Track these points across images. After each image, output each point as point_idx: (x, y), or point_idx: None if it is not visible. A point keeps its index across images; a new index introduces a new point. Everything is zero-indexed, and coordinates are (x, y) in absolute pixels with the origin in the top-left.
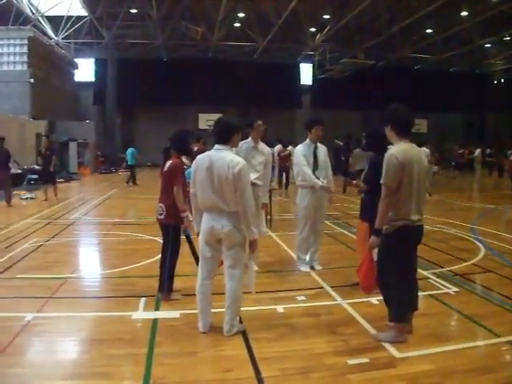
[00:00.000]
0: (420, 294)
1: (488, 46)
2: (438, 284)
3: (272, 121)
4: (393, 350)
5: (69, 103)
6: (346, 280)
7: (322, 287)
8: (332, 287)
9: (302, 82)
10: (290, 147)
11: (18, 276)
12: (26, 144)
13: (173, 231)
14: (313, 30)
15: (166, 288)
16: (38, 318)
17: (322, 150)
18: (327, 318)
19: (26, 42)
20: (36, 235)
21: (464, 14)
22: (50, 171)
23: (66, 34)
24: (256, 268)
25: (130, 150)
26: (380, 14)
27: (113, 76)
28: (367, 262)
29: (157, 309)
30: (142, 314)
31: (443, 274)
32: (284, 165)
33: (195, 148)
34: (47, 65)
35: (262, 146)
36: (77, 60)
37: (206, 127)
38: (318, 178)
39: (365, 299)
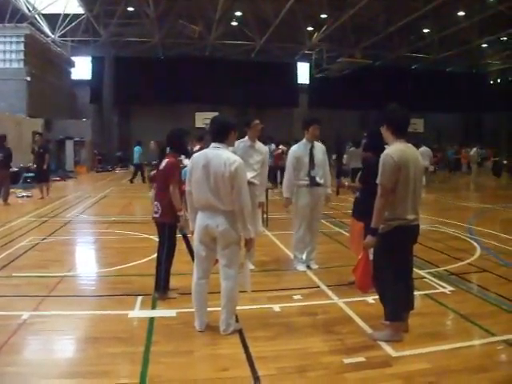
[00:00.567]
0: (416, 293)
1: (485, 45)
2: (433, 283)
3: (269, 120)
4: (389, 349)
5: (65, 101)
6: (342, 279)
7: (318, 286)
8: (328, 286)
9: (299, 81)
10: (280, 146)
11: (14, 274)
12: (23, 142)
13: (168, 230)
14: (310, 29)
15: (162, 287)
16: (34, 316)
17: (320, 148)
18: (323, 317)
19: (22, 39)
20: (32, 233)
21: (461, 13)
22: (43, 169)
23: (62, 31)
24: (252, 267)
25: (136, 149)
26: (377, 13)
27: (109, 74)
28: (363, 262)
29: (153, 307)
30: (138, 312)
31: (439, 273)
32: (277, 163)
33: (197, 147)
34: (44, 63)
35: (259, 144)
36: (73, 58)
37: (203, 126)
38: (314, 178)
39: (361, 298)
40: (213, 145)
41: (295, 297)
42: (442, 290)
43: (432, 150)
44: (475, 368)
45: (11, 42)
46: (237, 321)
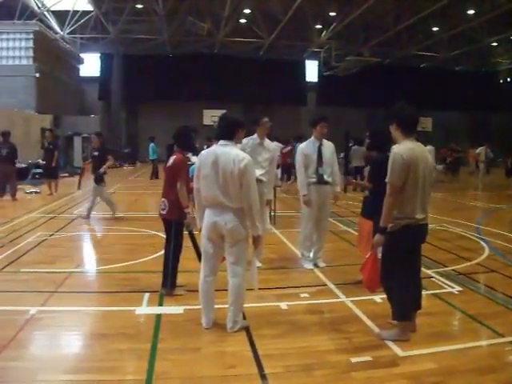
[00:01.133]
0: (423, 292)
1: (494, 44)
2: (441, 283)
3: (277, 118)
4: (396, 349)
5: (74, 98)
6: (349, 278)
7: (325, 284)
8: (336, 285)
9: (307, 79)
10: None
11: (22, 270)
12: (31, 138)
13: (175, 227)
14: (319, 27)
15: (169, 283)
16: (41, 311)
17: (328, 146)
18: (330, 315)
19: (31, 36)
20: (40, 229)
21: (470, 12)
22: (53, 166)
23: (71, 28)
24: (260, 265)
25: (150, 145)
26: (386, 11)
27: (118, 71)
28: (371, 261)
29: (160, 304)
30: (145, 309)
31: (447, 273)
32: (285, 161)
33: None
34: (53, 59)
35: (267, 142)
36: (82, 55)
37: (211, 123)
38: (322, 175)
39: (368, 297)
40: (221, 142)
41: (302, 295)
42: (449, 289)
43: (447, 148)
44: (482, 368)
45: (20, 39)
46: (244, 318)
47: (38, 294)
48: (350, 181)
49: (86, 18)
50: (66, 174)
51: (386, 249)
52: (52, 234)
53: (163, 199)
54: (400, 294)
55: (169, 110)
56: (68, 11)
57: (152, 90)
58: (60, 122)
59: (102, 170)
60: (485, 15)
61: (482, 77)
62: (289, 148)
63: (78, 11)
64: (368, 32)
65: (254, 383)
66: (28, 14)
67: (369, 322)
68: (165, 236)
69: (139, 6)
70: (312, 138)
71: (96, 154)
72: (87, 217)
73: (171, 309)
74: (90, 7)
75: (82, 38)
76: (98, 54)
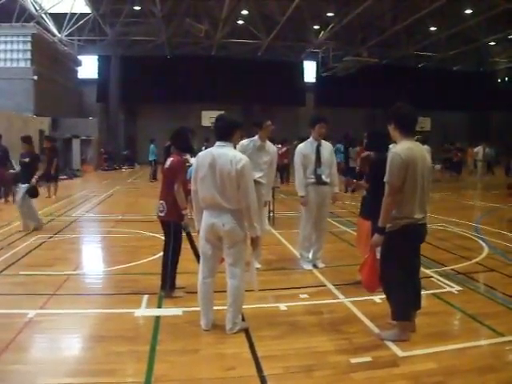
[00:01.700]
0: (423, 292)
1: (492, 44)
2: (440, 283)
3: (275, 119)
4: (396, 349)
5: (72, 100)
6: (348, 278)
7: (324, 285)
8: (335, 285)
9: (305, 80)
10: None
11: (20, 273)
12: None
13: (174, 228)
14: (316, 27)
15: (168, 285)
16: (40, 314)
17: (327, 147)
18: (330, 316)
19: (29, 39)
20: (39, 232)
21: (468, 11)
22: (51, 172)
23: (69, 31)
24: (259, 266)
25: (150, 147)
26: (384, 11)
27: (116, 73)
28: (370, 261)
29: (159, 306)
30: (144, 311)
31: (446, 272)
32: (282, 162)
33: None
34: (51, 62)
35: (268, 145)
36: (80, 57)
37: (209, 124)
38: (320, 176)
39: (368, 297)
40: (218, 143)
41: (302, 296)
42: (449, 289)
43: (454, 148)
44: (482, 368)
45: (18, 42)
46: (243, 320)
47: (36, 296)
48: (350, 181)
49: (83, 20)
50: (65, 177)
51: (385, 249)
52: (51, 237)
53: (161, 201)
54: (399, 294)
55: (167, 111)
56: (66, 13)
57: (150, 92)
58: (58, 125)
59: (33, 180)
60: (482, 15)
61: (480, 76)
62: (285, 149)
63: (75, 13)
64: (366, 32)
65: None
66: (26, 17)
67: (368, 323)
68: (163, 238)
69: (137, 8)
70: (310, 138)
71: (26, 160)
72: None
73: (170, 311)
74: (87, 9)
75: (79, 41)
76: (96, 56)
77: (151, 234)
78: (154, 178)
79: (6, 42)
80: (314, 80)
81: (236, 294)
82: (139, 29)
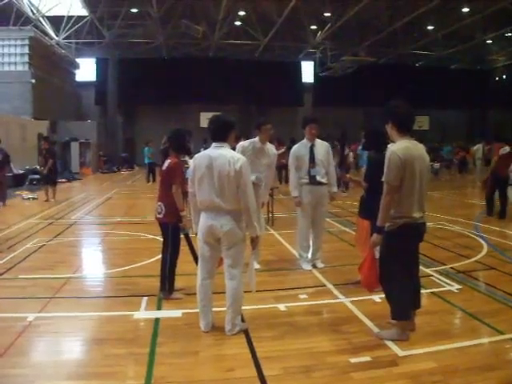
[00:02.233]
0: (422, 291)
1: (489, 42)
2: (440, 281)
3: (274, 119)
4: (395, 348)
5: (70, 103)
6: (348, 278)
7: (324, 285)
8: (334, 285)
9: (303, 80)
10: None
11: (20, 276)
12: (28, 144)
13: (172, 230)
14: (314, 27)
15: (167, 287)
16: (40, 318)
17: (322, 147)
18: (329, 316)
19: (26, 42)
20: (38, 235)
21: (465, 10)
22: (45, 173)
23: (66, 33)
24: (258, 266)
25: (144, 149)
26: (380, 11)
27: (114, 75)
28: (369, 260)
29: (159, 308)
30: (143, 313)
31: (446, 271)
32: (281, 162)
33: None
34: (48, 65)
35: (268, 147)
36: (78, 60)
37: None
38: (314, 176)
39: (367, 297)
40: (214, 144)
41: (301, 296)
42: (448, 287)
43: (458, 146)
44: (483, 367)
45: (16, 45)
46: (242, 320)
47: (36, 300)
48: (344, 176)
49: (81, 23)
50: (64, 180)
51: (384, 248)
52: (50, 240)
53: (159, 203)
54: (399, 294)
55: (165, 113)
56: (63, 16)
57: (148, 94)
58: (56, 128)
59: None
60: (479, 13)
61: (477, 74)
62: (282, 150)
63: (72, 16)
64: (363, 32)
65: None
66: (23, 20)
67: (368, 322)
68: (162, 240)
69: (134, 10)
70: (304, 139)
71: None
72: None
73: (169, 312)
74: (84, 12)
75: (77, 43)
76: (94, 59)
77: (150, 236)
78: (148, 180)
79: (3, 46)
80: (311, 80)
81: (235, 295)
82: (136, 31)
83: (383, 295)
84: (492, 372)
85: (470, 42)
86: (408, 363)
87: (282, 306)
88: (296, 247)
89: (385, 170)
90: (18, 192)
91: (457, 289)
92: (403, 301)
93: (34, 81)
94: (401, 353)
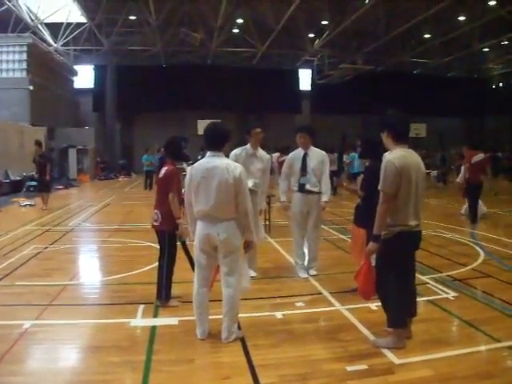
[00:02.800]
0: (419, 299)
1: (486, 50)
2: (436, 289)
3: (271, 126)
4: (392, 356)
5: (68, 110)
6: (344, 286)
7: (320, 293)
8: (331, 293)
9: (301, 88)
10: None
11: (16, 283)
12: (26, 151)
13: (169, 237)
14: (311, 35)
15: (163, 295)
16: (36, 325)
17: (316, 156)
18: (326, 324)
19: (25, 48)
20: (35, 242)
21: (462, 18)
22: (45, 179)
23: (65, 40)
24: (254, 274)
25: (143, 157)
26: (378, 19)
27: (112, 82)
28: (365, 268)
29: (155, 316)
30: (140, 321)
31: (442, 279)
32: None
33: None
34: (46, 72)
35: (261, 152)
36: (76, 67)
37: None
38: (303, 185)
39: (364, 305)
40: (209, 153)
41: (297, 304)
42: (445, 295)
43: (458, 154)
44: (479, 375)
45: (14, 52)
46: (239, 328)
47: (32, 307)
48: (341, 183)
49: (79, 30)
50: (61, 187)
51: (380, 256)
52: (47, 247)
53: (156, 210)
54: (395, 301)
55: (163, 120)
56: (61, 23)
57: (146, 101)
58: (54, 135)
59: None
60: (476, 21)
61: (474, 82)
62: (285, 157)
63: (71, 23)
64: (361, 40)
65: None
66: (21, 27)
67: (364, 330)
68: (159, 247)
69: (132, 18)
70: (299, 147)
71: None
72: None
73: (166, 320)
74: (83, 19)
75: (75, 50)
76: (92, 66)
77: (147, 244)
78: (145, 187)
79: (1, 52)
80: (309, 88)
81: (231, 302)
82: (135, 38)
83: (379, 303)
84: (489, 380)
85: (467, 50)
86: (404, 371)
87: (278, 314)
88: (292, 255)
89: (381, 178)
90: (15, 199)
91: (453, 296)
92: (399, 308)
93: (32, 87)
94: (397, 361)
